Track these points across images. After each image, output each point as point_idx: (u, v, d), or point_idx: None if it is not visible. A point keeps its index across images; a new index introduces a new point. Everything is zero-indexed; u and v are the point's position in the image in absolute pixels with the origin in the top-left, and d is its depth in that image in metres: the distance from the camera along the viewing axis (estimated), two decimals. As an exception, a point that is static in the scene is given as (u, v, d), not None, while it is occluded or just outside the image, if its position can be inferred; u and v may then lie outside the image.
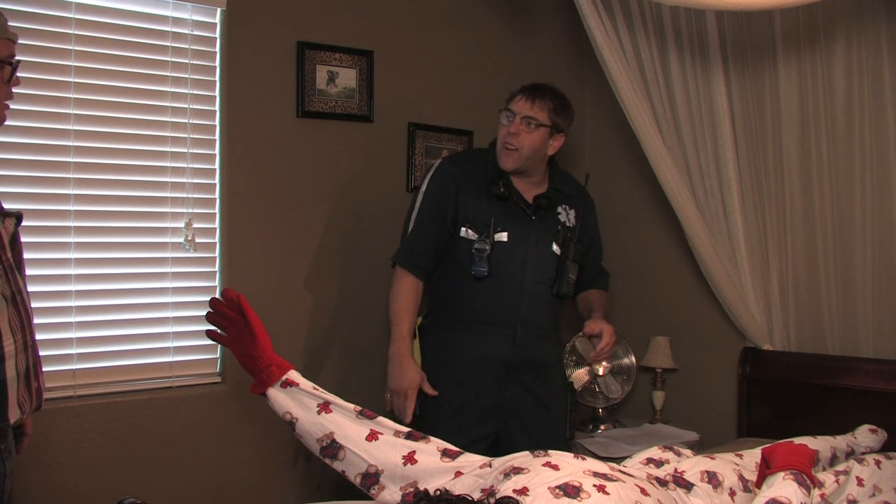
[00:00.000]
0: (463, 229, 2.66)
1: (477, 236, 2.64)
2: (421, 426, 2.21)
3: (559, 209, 2.76)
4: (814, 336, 3.13)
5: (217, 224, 2.77)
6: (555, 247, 2.71)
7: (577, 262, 2.73)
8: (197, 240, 2.71)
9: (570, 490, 1.61)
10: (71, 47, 2.48)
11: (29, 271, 2.02)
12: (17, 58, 1.83)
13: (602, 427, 3.37)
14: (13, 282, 1.78)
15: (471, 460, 1.91)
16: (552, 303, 2.74)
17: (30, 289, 1.91)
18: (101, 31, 2.54)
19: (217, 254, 2.78)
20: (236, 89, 2.77)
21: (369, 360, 3.02)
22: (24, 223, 1.93)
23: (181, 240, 2.69)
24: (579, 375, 3.40)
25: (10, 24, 1.82)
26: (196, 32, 2.71)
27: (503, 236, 2.66)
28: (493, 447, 2.61)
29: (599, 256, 2.94)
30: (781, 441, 2.10)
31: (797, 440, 2.23)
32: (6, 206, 1.93)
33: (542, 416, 2.73)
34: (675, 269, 3.54)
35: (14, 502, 1.86)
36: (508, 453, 1.87)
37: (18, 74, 1.84)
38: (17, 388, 1.75)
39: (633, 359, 3.43)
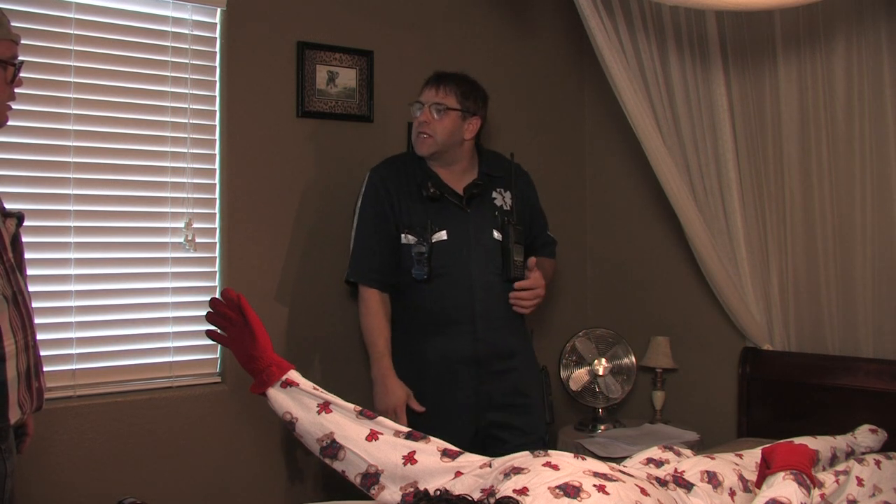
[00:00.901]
0: (403, 235, 2.68)
1: (416, 240, 2.66)
2: None
3: (494, 194, 2.77)
4: (814, 336, 3.13)
5: (217, 224, 2.77)
6: (496, 234, 2.71)
7: (521, 243, 2.71)
8: (197, 240, 2.71)
9: (570, 490, 1.61)
10: (71, 47, 2.48)
11: (29, 271, 2.02)
12: (19, 58, 1.83)
13: (602, 427, 3.37)
14: (14, 282, 1.78)
15: (471, 460, 1.91)
16: (507, 291, 2.71)
17: (30, 289, 1.92)
18: (101, 31, 2.54)
19: (217, 254, 2.78)
20: (236, 89, 2.77)
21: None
22: (23, 223, 1.94)
23: (181, 240, 2.69)
24: (579, 375, 3.41)
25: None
26: (196, 32, 2.71)
27: (442, 235, 2.67)
28: (478, 445, 2.57)
29: (545, 227, 2.94)
30: (781, 441, 2.10)
31: (797, 440, 2.23)
32: (6, 206, 1.94)
33: (521, 404, 2.72)
34: (675, 269, 3.54)
35: (14, 502, 1.86)
36: (494, 448, 1.86)
37: (20, 75, 1.84)
38: (17, 389, 1.75)
39: (633, 359, 3.43)
